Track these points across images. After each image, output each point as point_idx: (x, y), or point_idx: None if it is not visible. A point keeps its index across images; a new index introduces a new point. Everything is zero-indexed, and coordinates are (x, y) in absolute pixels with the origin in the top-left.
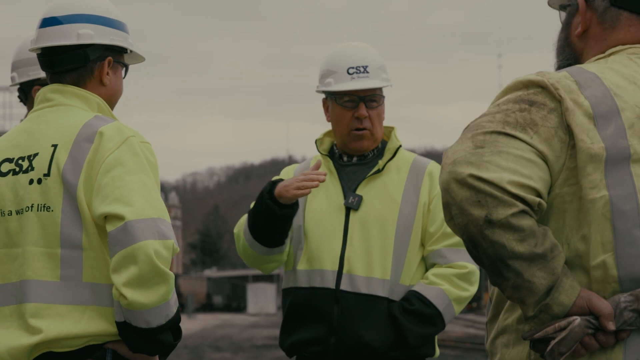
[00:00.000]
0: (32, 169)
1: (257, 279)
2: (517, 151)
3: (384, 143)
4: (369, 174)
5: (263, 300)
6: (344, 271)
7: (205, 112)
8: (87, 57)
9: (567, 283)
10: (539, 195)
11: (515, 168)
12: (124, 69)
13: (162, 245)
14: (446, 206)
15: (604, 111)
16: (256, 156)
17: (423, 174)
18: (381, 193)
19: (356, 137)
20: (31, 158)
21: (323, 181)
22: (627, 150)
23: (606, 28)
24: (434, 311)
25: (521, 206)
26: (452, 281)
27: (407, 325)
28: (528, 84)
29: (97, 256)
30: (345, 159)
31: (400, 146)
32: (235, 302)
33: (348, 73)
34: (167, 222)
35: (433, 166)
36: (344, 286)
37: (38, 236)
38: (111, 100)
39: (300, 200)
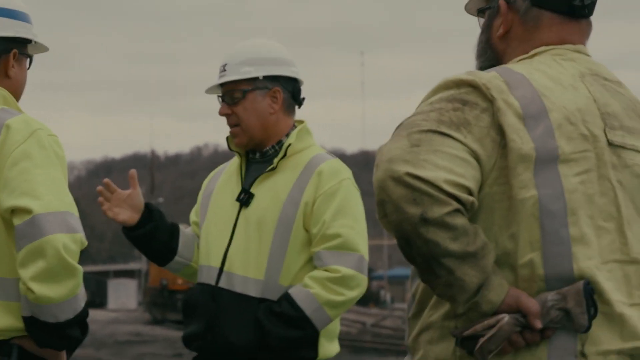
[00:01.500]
0: None
1: (118, 274)
2: (452, 150)
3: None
4: (264, 172)
5: (124, 296)
6: (225, 269)
7: (64, 106)
8: None
9: (496, 281)
10: (471, 194)
11: (450, 167)
12: (28, 60)
13: (70, 239)
14: (380, 204)
15: (533, 112)
16: (118, 151)
17: (312, 173)
18: (270, 191)
19: (232, 134)
20: None
21: (102, 195)
22: (555, 150)
23: (528, 29)
24: (300, 314)
25: (456, 205)
26: (325, 285)
27: (269, 327)
28: (459, 83)
29: (3, 250)
30: (250, 155)
31: (290, 144)
32: (97, 298)
33: (218, 75)
34: (76, 216)
35: (325, 165)
36: (222, 284)
37: None
38: (16, 92)
39: (207, 194)
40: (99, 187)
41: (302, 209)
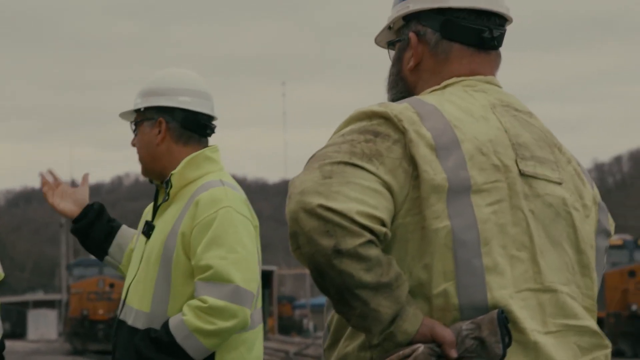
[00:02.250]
0: None
1: (38, 304)
2: (364, 182)
3: None
4: (159, 203)
5: (44, 326)
6: (127, 302)
7: None
8: None
9: (410, 311)
10: (384, 225)
11: (362, 198)
12: None
13: None
14: (293, 235)
15: (445, 142)
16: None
17: (191, 203)
18: (161, 223)
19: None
20: None
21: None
22: (467, 181)
23: (439, 61)
24: (171, 340)
25: (369, 236)
26: (196, 313)
27: (142, 351)
28: (371, 115)
29: None
30: (163, 185)
31: (173, 174)
32: (17, 329)
33: None
34: None
35: (205, 195)
36: (123, 316)
37: None
38: None
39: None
40: (42, 172)
41: (180, 240)
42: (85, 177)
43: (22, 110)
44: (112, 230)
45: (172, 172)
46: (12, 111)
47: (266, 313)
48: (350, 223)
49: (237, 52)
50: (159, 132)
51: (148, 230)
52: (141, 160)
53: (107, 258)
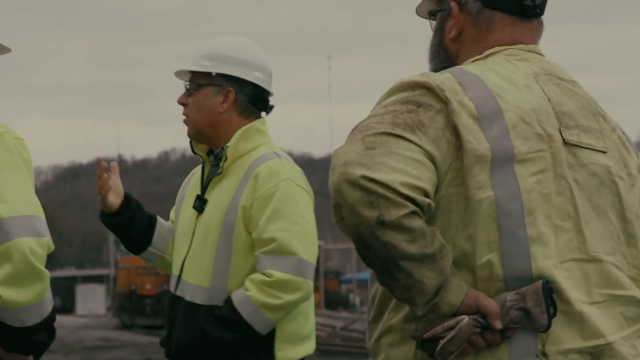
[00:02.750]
0: None
1: (86, 279)
2: (407, 152)
3: None
4: (214, 177)
5: (92, 302)
6: (182, 277)
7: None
8: None
9: (454, 283)
10: (427, 196)
11: (406, 169)
12: None
13: (37, 243)
14: (337, 207)
15: (488, 112)
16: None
17: (250, 176)
18: (217, 197)
19: (184, 123)
20: None
21: (101, 175)
22: (511, 151)
23: (481, 30)
24: (237, 317)
25: (412, 207)
26: (261, 287)
27: (207, 329)
28: (413, 85)
29: None
30: (211, 158)
31: (229, 147)
32: (66, 304)
33: None
34: (42, 220)
35: (263, 167)
36: (179, 292)
37: None
38: None
39: (179, 202)
40: (99, 159)
41: (241, 214)
42: (114, 167)
43: (68, 86)
44: (151, 220)
45: (227, 145)
46: (58, 88)
47: (313, 288)
48: (394, 194)
49: (276, 27)
50: (224, 100)
51: (201, 204)
52: (195, 122)
53: (150, 249)
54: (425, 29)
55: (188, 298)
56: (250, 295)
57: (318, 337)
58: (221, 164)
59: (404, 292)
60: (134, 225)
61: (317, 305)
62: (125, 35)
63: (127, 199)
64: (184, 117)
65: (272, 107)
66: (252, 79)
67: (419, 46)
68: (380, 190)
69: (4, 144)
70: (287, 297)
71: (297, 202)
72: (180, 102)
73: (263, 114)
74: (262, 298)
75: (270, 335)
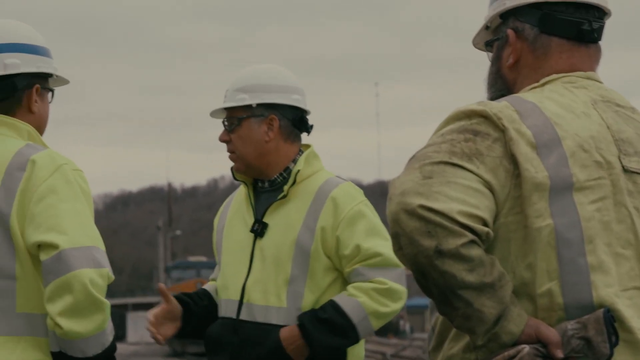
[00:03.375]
0: None
1: (136, 307)
2: (465, 181)
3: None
4: (275, 201)
5: (143, 329)
6: (244, 300)
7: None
8: (15, 86)
9: (515, 312)
10: (486, 224)
11: (464, 198)
12: (50, 93)
13: (97, 274)
14: (395, 237)
15: (546, 140)
16: (134, 184)
17: (325, 200)
18: (283, 220)
19: (230, 160)
20: None
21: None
22: (570, 178)
23: (538, 56)
24: (347, 322)
25: (470, 236)
26: (371, 295)
27: (313, 334)
28: (470, 114)
29: (31, 286)
30: (259, 184)
31: (299, 171)
32: (118, 331)
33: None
34: (102, 251)
35: (338, 191)
36: (243, 315)
37: None
38: (40, 126)
39: (220, 230)
40: (151, 327)
41: (320, 235)
42: (162, 291)
43: (117, 115)
44: (208, 300)
45: (296, 168)
46: (106, 116)
47: None
48: (452, 223)
49: (324, 53)
50: (269, 129)
51: (262, 228)
52: (244, 156)
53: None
54: (472, 54)
55: (260, 320)
56: (362, 302)
57: None
58: (286, 187)
59: (464, 321)
60: (202, 321)
61: None
62: (174, 63)
63: (184, 304)
64: (230, 153)
65: (311, 126)
66: (292, 102)
67: (467, 72)
68: (438, 219)
69: (64, 176)
70: (393, 306)
71: (378, 221)
72: (223, 140)
73: (304, 134)
74: (373, 305)
75: (343, 357)
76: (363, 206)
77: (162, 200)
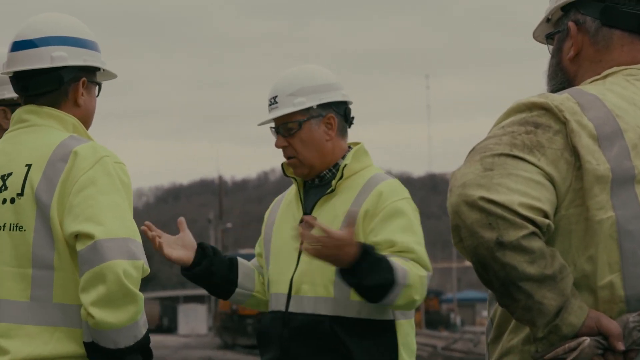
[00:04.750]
0: (6, 188)
1: (188, 299)
2: (526, 173)
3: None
4: (323, 195)
5: (194, 321)
6: (293, 293)
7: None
8: (62, 79)
9: (575, 304)
10: (547, 216)
11: (525, 190)
12: (97, 87)
13: (131, 266)
14: (455, 229)
15: (608, 132)
16: (185, 177)
17: (370, 192)
18: (330, 213)
19: (290, 165)
20: (5, 178)
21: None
22: (631, 170)
23: (600, 49)
24: (391, 279)
25: (531, 228)
26: (414, 275)
27: (368, 259)
28: (531, 106)
29: (68, 277)
30: (309, 180)
31: (347, 165)
32: (170, 324)
33: (269, 106)
34: (138, 243)
35: (385, 184)
36: (293, 308)
37: (10, 256)
38: (86, 120)
39: (270, 224)
40: (144, 227)
41: (362, 218)
42: (181, 222)
43: (169, 108)
44: (231, 263)
45: (344, 163)
46: (158, 110)
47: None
48: (513, 215)
49: (374, 47)
50: (328, 128)
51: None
52: (307, 159)
53: (237, 291)
54: (524, 48)
55: (310, 311)
56: (410, 269)
57: (419, 357)
58: (334, 182)
59: (524, 313)
60: (214, 272)
61: (417, 325)
62: (224, 57)
63: (202, 248)
64: (289, 158)
65: (353, 118)
66: (344, 98)
67: (518, 66)
68: (499, 211)
69: (105, 168)
70: (420, 292)
71: (417, 219)
72: (281, 146)
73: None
74: (413, 282)
75: (395, 347)
76: (406, 203)
77: (213, 193)
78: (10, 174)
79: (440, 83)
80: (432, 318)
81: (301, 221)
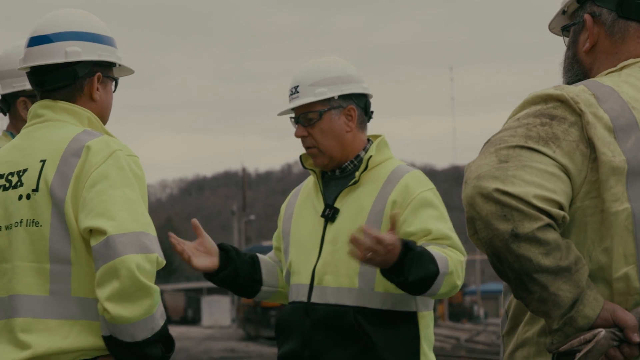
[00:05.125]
0: (22, 184)
1: (211, 291)
2: (541, 165)
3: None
4: (347, 186)
5: (217, 313)
6: (315, 283)
7: (156, 126)
8: (76, 74)
9: (591, 296)
10: (562, 208)
11: (540, 182)
12: (114, 82)
13: (145, 259)
14: (470, 221)
15: (624, 124)
16: (209, 169)
17: (396, 184)
18: (354, 204)
19: (309, 155)
20: (20, 174)
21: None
22: None
23: (615, 41)
24: (436, 269)
25: (546, 220)
26: (455, 261)
27: (413, 257)
28: (547, 98)
29: (85, 271)
30: (328, 172)
31: (371, 157)
32: (194, 315)
33: (289, 96)
34: (152, 236)
35: (410, 176)
36: (315, 298)
37: (27, 251)
38: (102, 114)
39: (288, 217)
40: (172, 239)
41: (389, 209)
42: (196, 225)
43: (193, 101)
44: (253, 261)
45: (368, 154)
46: (182, 103)
47: (436, 300)
48: (528, 207)
49: (398, 40)
50: (348, 119)
51: (333, 213)
52: (327, 149)
53: (263, 289)
54: (548, 41)
55: (333, 302)
56: (449, 256)
57: (442, 349)
58: (357, 173)
59: (539, 305)
60: (239, 274)
61: (440, 317)
62: (248, 51)
63: (225, 251)
64: (308, 148)
65: (372, 112)
66: (364, 90)
67: (542, 58)
68: (514, 203)
69: (117, 162)
70: (458, 279)
71: (445, 211)
72: (301, 136)
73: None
74: (454, 265)
75: (416, 338)
76: (432, 193)
77: (236, 185)
78: (25, 169)
79: (465, 75)
80: (456, 310)
81: (324, 211)
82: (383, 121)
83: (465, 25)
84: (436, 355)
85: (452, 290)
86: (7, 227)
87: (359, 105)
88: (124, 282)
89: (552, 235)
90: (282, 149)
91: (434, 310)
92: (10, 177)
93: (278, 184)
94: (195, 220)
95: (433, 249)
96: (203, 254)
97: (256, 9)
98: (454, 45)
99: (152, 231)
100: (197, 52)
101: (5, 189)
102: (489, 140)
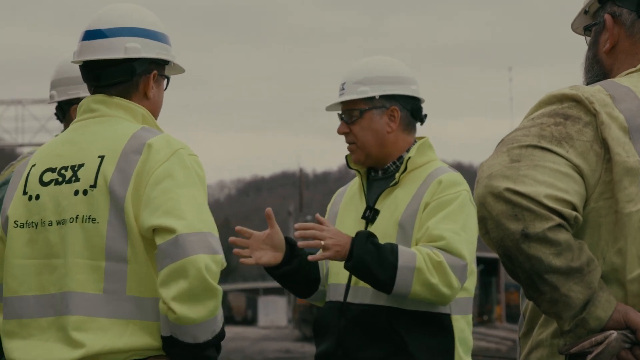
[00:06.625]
0: (77, 179)
1: (268, 291)
2: (553, 165)
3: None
4: (387, 188)
5: (274, 313)
6: (352, 283)
7: (212, 126)
8: (134, 70)
9: (603, 297)
10: (575, 209)
11: (552, 182)
12: (166, 81)
13: (212, 260)
14: (482, 220)
15: (639, 125)
16: (266, 169)
17: (431, 182)
18: (392, 205)
19: (349, 151)
20: (76, 169)
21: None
22: None
23: (635, 42)
24: (393, 260)
25: (558, 220)
26: (424, 257)
27: (359, 247)
28: (562, 98)
29: (142, 270)
30: (372, 173)
31: (410, 158)
32: (251, 316)
33: (339, 92)
34: (216, 237)
35: (446, 176)
36: (351, 298)
37: (82, 248)
38: (154, 113)
39: (332, 217)
40: (231, 239)
41: (422, 209)
42: (269, 215)
43: (251, 102)
44: (310, 262)
45: (408, 156)
46: (238, 103)
47: (494, 301)
48: (539, 206)
49: (455, 41)
50: (390, 120)
51: (373, 215)
52: (365, 146)
53: (320, 289)
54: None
55: (367, 301)
56: (417, 256)
57: (498, 351)
58: (398, 175)
59: (550, 306)
60: (300, 271)
61: (498, 319)
62: (308, 51)
63: (291, 245)
64: (349, 144)
65: (425, 115)
66: (411, 93)
67: None
68: (525, 202)
69: (181, 161)
70: (441, 287)
71: (469, 213)
72: (343, 132)
73: (418, 124)
74: (422, 264)
75: (451, 341)
76: (463, 195)
77: (293, 186)
78: (81, 164)
79: (524, 75)
80: (513, 312)
81: (364, 213)
82: (441, 122)
83: (524, 25)
84: (491, 357)
85: (431, 291)
86: (58, 223)
87: (405, 107)
88: (192, 282)
89: (563, 236)
90: (340, 149)
91: (491, 312)
92: (63, 171)
93: (335, 185)
94: (269, 210)
95: (406, 247)
96: (268, 247)
97: (312, 9)
98: (513, 46)
99: (216, 231)
100: (257, 53)
101: (57, 183)
102: (502, 139)
